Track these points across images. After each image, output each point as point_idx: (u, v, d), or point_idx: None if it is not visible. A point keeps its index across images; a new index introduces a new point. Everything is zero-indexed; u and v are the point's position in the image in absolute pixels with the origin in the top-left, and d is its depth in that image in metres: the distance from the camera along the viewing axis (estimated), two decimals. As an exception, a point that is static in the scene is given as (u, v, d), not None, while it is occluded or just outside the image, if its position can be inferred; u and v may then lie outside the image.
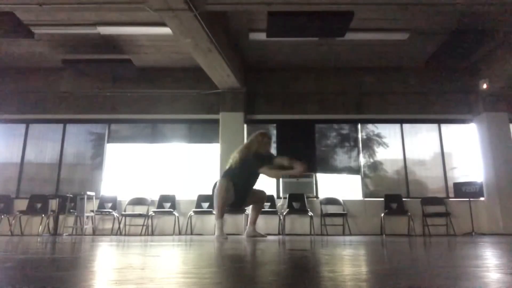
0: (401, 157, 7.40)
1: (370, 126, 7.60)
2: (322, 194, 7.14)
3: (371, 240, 3.58)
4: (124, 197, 7.15)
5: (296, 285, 0.77)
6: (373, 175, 7.39)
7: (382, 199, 6.98)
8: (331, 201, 7.03)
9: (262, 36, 6.06)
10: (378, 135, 7.58)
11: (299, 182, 7.11)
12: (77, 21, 5.88)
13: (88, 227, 6.86)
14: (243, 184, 4.12)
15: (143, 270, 1.03)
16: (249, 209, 4.68)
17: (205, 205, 6.88)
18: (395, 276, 0.90)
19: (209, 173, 7.26)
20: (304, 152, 7.39)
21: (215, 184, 4.14)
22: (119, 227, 6.86)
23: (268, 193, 6.95)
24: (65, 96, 7.61)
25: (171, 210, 6.84)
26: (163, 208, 6.92)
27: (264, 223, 6.88)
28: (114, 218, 6.92)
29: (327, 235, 6.49)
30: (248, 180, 4.17)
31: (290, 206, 6.80)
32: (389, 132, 7.56)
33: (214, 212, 4.24)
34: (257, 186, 4.44)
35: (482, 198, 6.90)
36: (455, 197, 6.85)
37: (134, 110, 7.54)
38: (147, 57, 7.17)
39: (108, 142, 7.59)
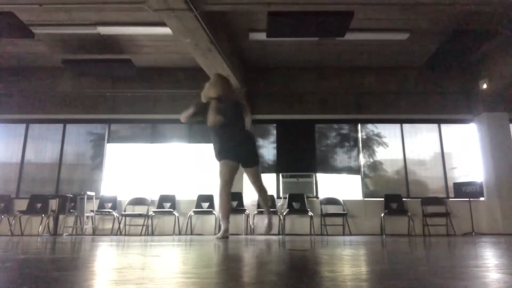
0: (401, 157, 7.40)
1: (370, 126, 7.60)
2: (322, 194, 7.14)
3: (371, 240, 3.58)
4: (124, 197, 7.15)
5: (296, 285, 0.77)
6: (373, 175, 7.39)
7: (382, 199, 6.98)
8: (331, 201, 7.03)
9: (262, 36, 6.06)
10: (378, 135, 7.58)
11: (299, 182, 7.11)
12: (77, 21, 5.88)
13: (88, 227, 6.86)
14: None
15: (143, 270, 1.03)
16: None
17: (205, 205, 6.88)
18: (395, 276, 0.91)
19: (209, 173, 7.26)
20: (304, 152, 7.40)
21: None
22: (119, 227, 6.87)
23: (268, 193, 7.00)
24: (65, 96, 7.62)
25: (171, 210, 6.84)
26: (163, 208, 6.92)
27: (264, 223, 6.87)
28: (114, 218, 6.92)
29: (327, 235, 6.49)
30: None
31: (290, 206, 6.80)
32: (389, 132, 7.57)
33: (219, 214, 3.94)
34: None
35: (482, 198, 6.90)
36: (455, 197, 6.85)
37: (134, 110, 7.54)
38: (147, 57, 7.17)
39: (108, 142, 7.59)
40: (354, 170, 7.36)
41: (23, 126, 7.64)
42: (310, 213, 6.68)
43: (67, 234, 6.61)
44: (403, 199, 7.02)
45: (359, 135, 7.55)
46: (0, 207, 6.91)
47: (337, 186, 7.28)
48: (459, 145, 7.47)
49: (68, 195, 6.54)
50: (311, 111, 7.48)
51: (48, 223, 6.80)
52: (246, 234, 6.61)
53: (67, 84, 7.64)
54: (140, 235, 6.60)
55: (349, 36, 5.92)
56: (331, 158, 7.44)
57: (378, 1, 4.69)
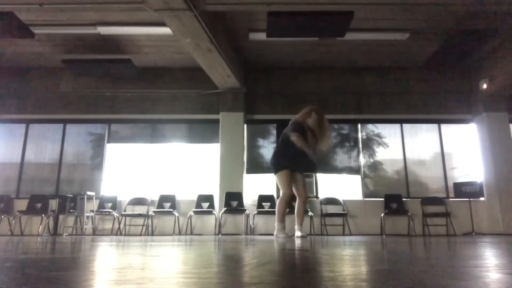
0: (401, 157, 7.40)
1: (370, 126, 7.59)
2: (322, 194, 7.14)
3: (371, 240, 3.58)
4: (124, 197, 7.15)
5: (296, 285, 0.77)
6: (373, 175, 7.38)
7: (382, 199, 6.98)
8: (331, 201, 7.03)
9: (262, 36, 6.06)
10: (378, 135, 7.58)
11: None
12: (77, 21, 5.88)
13: (88, 227, 6.86)
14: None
15: (143, 270, 1.03)
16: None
17: (205, 205, 6.88)
18: (395, 276, 0.90)
19: (209, 173, 7.27)
20: (303, 152, 7.38)
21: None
22: (119, 227, 6.86)
23: (267, 193, 7.01)
24: (65, 96, 7.61)
25: (171, 210, 6.84)
26: (163, 208, 6.92)
27: (264, 223, 6.88)
28: (114, 218, 6.92)
29: (327, 235, 6.49)
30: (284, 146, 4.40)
31: (290, 206, 6.78)
32: (389, 132, 7.56)
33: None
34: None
35: (482, 198, 6.90)
36: (455, 197, 6.85)
37: (134, 110, 7.54)
38: (147, 57, 7.17)
39: (108, 142, 7.59)
40: (354, 170, 7.36)
41: (23, 126, 7.63)
42: (310, 213, 6.67)
43: (67, 234, 6.61)
44: (403, 199, 7.01)
45: (359, 135, 7.55)
46: (0, 207, 6.90)
47: (337, 186, 7.28)
48: (459, 145, 7.46)
49: (68, 195, 6.54)
50: (311, 111, 7.46)
51: (48, 223, 6.80)
52: (246, 234, 6.61)
53: (67, 84, 7.64)
54: (140, 235, 6.60)
55: (349, 36, 5.92)
56: (331, 158, 7.44)
57: (378, 1, 4.69)
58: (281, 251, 1.88)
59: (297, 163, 4.37)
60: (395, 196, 7.01)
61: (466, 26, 5.86)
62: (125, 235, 6.61)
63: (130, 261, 1.35)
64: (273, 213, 6.73)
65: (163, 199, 7.03)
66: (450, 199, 7.02)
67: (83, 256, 1.56)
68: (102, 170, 7.43)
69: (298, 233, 4.37)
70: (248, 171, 7.28)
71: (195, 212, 6.80)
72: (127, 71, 7.04)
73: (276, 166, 4.36)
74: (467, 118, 7.47)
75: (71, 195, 6.54)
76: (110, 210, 6.86)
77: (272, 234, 6.61)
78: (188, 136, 7.59)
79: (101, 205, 7.00)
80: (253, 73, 7.63)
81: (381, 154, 7.46)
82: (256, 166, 7.36)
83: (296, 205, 4.50)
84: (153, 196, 7.12)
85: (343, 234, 6.64)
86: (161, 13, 4.60)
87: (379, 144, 7.53)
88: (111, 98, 7.59)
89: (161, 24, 5.49)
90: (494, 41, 6.29)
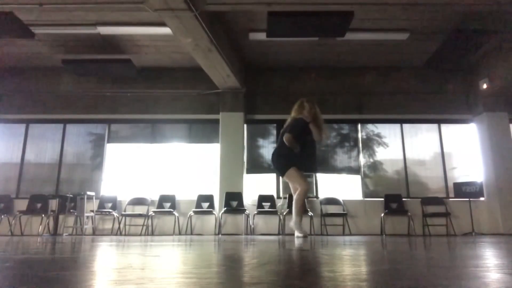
0: (401, 157, 7.40)
1: (370, 126, 7.59)
2: (322, 194, 7.14)
3: (371, 240, 3.59)
4: (124, 197, 7.15)
5: (296, 285, 0.77)
6: (373, 175, 7.38)
7: (382, 199, 6.98)
8: (331, 201, 7.03)
9: (262, 36, 6.06)
10: (378, 135, 7.58)
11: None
12: (77, 21, 5.88)
13: (88, 227, 6.85)
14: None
15: (143, 270, 1.03)
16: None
17: (205, 205, 6.88)
18: (395, 276, 0.91)
19: (209, 173, 7.27)
20: (304, 152, 7.38)
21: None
22: (119, 227, 6.86)
23: (268, 193, 7.01)
24: (65, 96, 7.61)
25: (171, 210, 6.84)
26: (163, 208, 6.92)
27: (264, 223, 6.88)
28: (114, 218, 6.92)
29: (327, 235, 6.48)
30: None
31: (290, 206, 6.79)
32: (389, 132, 7.56)
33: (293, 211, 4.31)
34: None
35: (482, 198, 6.89)
36: (455, 197, 6.84)
37: (134, 110, 7.53)
38: (147, 57, 7.17)
39: (108, 142, 7.58)
40: (354, 170, 7.36)
41: (23, 126, 7.63)
42: (310, 213, 6.67)
43: (67, 234, 6.61)
44: (403, 199, 7.01)
45: (359, 135, 7.55)
46: (0, 207, 6.90)
47: (337, 186, 7.28)
48: (459, 145, 7.46)
49: (68, 195, 6.53)
50: (311, 111, 7.46)
51: (48, 223, 6.80)
52: (246, 234, 6.61)
53: (67, 84, 7.64)
54: (140, 235, 6.60)
55: (349, 36, 5.92)
56: (331, 158, 7.43)
57: (378, 1, 4.69)
58: (281, 251, 1.89)
59: (301, 163, 4.37)
60: (395, 196, 7.01)
61: (466, 26, 5.86)
62: (125, 235, 6.60)
63: (130, 261, 1.35)
64: (273, 213, 6.74)
65: (163, 199, 7.03)
66: (450, 199, 7.02)
67: (83, 256, 1.56)
68: (102, 170, 7.43)
69: (297, 233, 4.36)
70: (248, 171, 7.28)
71: (195, 212, 6.80)
72: (127, 71, 7.04)
73: (284, 166, 4.31)
74: (467, 118, 7.46)
75: (71, 195, 6.54)
76: (110, 210, 6.85)
77: (272, 234, 6.61)
78: (188, 136, 7.59)
79: (101, 205, 7.00)
80: (253, 73, 7.62)
81: (381, 154, 7.46)
82: (256, 166, 7.36)
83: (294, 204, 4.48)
84: (153, 196, 7.12)
85: (343, 234, 6.63)
86: (161, 13, 4.61)
87: (379, 144, 7.53)
88: (111, 98, 7.59)
89: (161, 24, 5.48)
90: (494, 41, 6.29)
